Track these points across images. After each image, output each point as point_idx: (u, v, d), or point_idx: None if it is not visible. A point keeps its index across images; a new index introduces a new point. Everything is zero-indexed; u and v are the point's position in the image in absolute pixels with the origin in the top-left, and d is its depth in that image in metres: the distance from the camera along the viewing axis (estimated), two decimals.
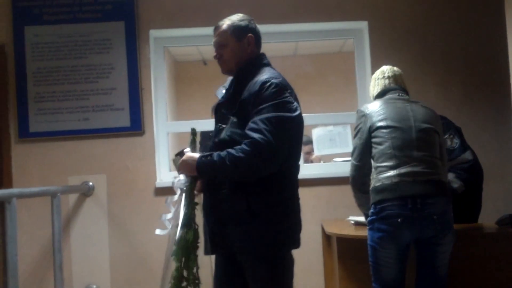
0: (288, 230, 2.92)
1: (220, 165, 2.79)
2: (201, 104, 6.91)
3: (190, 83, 8.45)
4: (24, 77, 4.96)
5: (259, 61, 3.07)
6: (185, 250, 2.95)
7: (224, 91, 3.22)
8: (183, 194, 3.05)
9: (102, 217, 4.96)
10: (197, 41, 5.30)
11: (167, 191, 4.86)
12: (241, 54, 3.04)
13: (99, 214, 4.95)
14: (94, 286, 4.93)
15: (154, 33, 5.12)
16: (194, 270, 2.97)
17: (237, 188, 2.84)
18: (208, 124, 4.39)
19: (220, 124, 3.00)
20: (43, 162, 4.95)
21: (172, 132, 5.27)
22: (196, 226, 3.03)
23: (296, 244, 2.99)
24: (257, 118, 2.77)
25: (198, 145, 3.13)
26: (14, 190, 3.97)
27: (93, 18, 5.03)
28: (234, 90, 3.00)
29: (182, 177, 3.02)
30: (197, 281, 2.98)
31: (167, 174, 5.08)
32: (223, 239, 2.96)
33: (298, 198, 3.00)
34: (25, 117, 4.94)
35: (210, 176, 2.94)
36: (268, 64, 3.08)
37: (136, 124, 4.98)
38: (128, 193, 4.97)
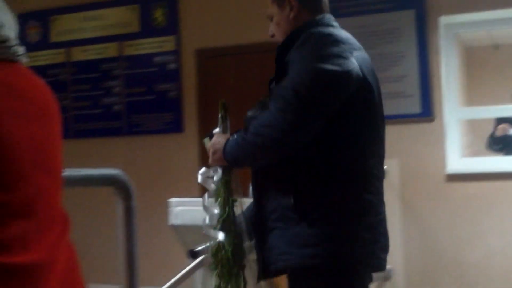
0: (345, 241, 2.10)
1: (238, 146, 2.19)
2: (495, 90, 6.68)
3: (481, 68, 8.17)
4: None
5: (309, 26, 2.25)
6: (226, 266, 2.27)
7: None
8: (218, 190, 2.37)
9: (395, 200, 5.11)
10: (488, 25, 5.15)
11: (459, 177, 4.86)
12: (285, 26, 2.34)
13: (392, 197, 5.12)
14: (388, 266, 5.11)
15: (444, 19, 5.10)
16: None
17: (283, 180, 2.17)
18: (506, 111, 4.25)
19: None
20: None
21: (464, 118, 5.21)
22: (238, 230, 2.34)
23: (361, 266, 2.15)
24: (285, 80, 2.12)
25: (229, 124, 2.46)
26: None
27: (386, 8, 5.18)
28: (277, 66, 2.30)
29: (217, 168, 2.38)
30: None
31: (458, 161, 5.04)
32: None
33: (376, 202, 2.18)
34: None
35: (237, 164, 2.29)
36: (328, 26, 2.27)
37: (426, 111, 5.02)
38: (419, 178, 5.05)
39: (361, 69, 2.12)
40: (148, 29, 5.83)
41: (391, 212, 5.02)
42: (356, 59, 2.12)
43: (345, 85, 2.07)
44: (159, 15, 5.80)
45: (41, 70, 5.72)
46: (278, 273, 2.16)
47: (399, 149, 5.11)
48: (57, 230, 1.41)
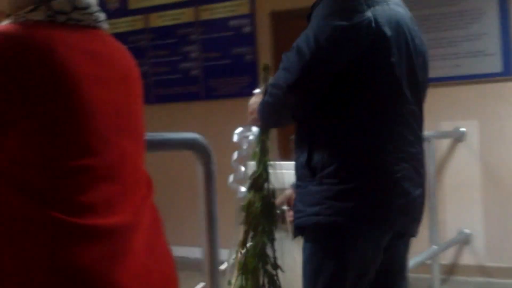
0: (350, 198, 2.01)
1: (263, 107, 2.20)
2: None
3: None
4: None
5: None
6: (254, 219, 2.31)
7: None
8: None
9: (475, 163, 5.00)
10: None
11: None
12: None
13: (472, 160, 5.01)
14: (467, 230, 5.04)
15: None
16: (269, 252, 2.33)
17: (302, 139, 2.15)
18: None
19: None
20: None
21: None
22: (272, 188, 2.38)
23: (367, 224, 2.04)
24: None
25: None
26: None
27: None
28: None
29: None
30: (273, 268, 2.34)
31: None
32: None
33: (392, 162, 2.04)
34: None
35: (264, 124, 2.32)
36: None
37: (508, 69, 4.86)
38: (500, 140, 4.91)
39: (377, 23, 1.99)
40: None
41: (472, 175, 4.95)
42: (374, 12, 2.00)
43: (352, 39, 1.97)
44: None
45: (120, 37, 5.84)
46: (298, 232, 2.14)
47: (479, 110, 4.97)
48: (141, 193, 1.46)
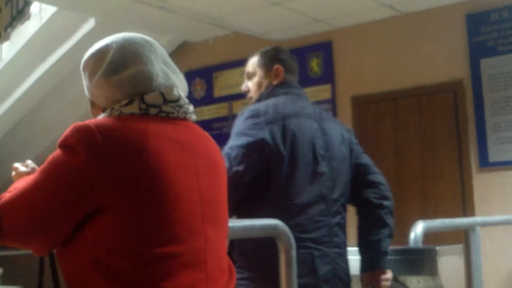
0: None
1: None
2: None
3: None
4: (482, 108, 5.14)
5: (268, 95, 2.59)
6: None
7: None
8: None
9: None
10: None
11: None
12: (263, 88, 2.63)
13: None
14: None
15: None
16: None
17: None
18: None
19: None
20: (504, 190, 5.02)
21: None
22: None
23: None
24: None
25: None
26: (477, 219, 4.15)
27: None
28: None
29: None
30: None
31: None
32: None
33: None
34: (484, 147, 5.11)
35: None
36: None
37: None
38: None
39: (274, 139, 2.36)
40: (304, 79, 5.96)
41: None
42: (272, 129, 2.37)
43: (249, 155, 2.33)
44: (314, 65, 5.93)
45: (205, 124, 6.02)
46: None
47: None
48: (224, 279, 1.48)
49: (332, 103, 5.82)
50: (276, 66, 2.60)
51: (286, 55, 2.68)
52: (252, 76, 2.66)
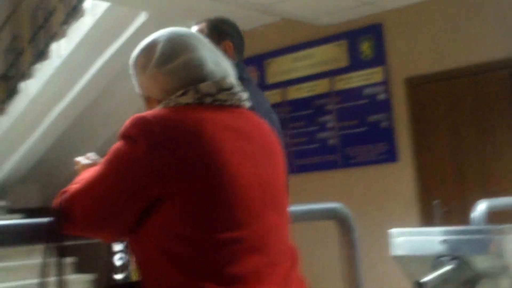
0: None
1: None
2: None
3: None
4: None
5: None
6: None
7: None
8: None
9: None
10: None
11: None
12: None
13: None
14: None
15: None
16: None
17: None
18: None
19: None
20: None
21: None
22: None
23: None
24: None
25: None
26: None
27: None
28: None
29: None
30: None
31: None
32: None
33: None
34: None
35: None
36: None
37: None
38: None
39: None
40: (356, 63, 5.94)
41: None
42: None
43: None
44: (366, 47, 5.89)
45: None
46: None
47: None
48: (287, 264, 1.50)
49: (385, 86, 5.77)
50: (225, 42, 2.35)
51: (235, 30, 2.41)
52: None
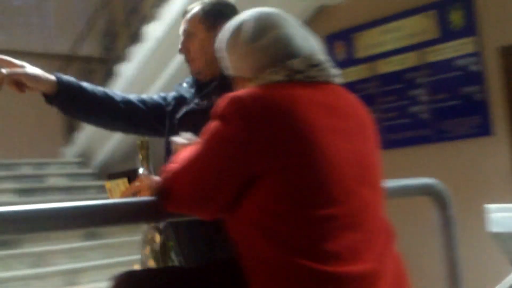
0: None
1: None
2: None
3: None
4: None
5: None
6: None
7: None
8: None
9: None
10: None
11: None
12: (210, 53, 2.09)
13: None
14: None
15: None
16: None
17: None
18: None
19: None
20: None
21: None
22: None
23: None
24: None
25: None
26: None
27: None
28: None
29: None
30: None
31: None
32: None
33: None
34: None
35: None
36: None
37: None
38: None
39: None
40: (446, 34, 5.78)
41: None
42: None
43: None
44: (456, 18, 5.71)
45: (350, 86, 5.99)
46: None
47: None
48: (382, 240, 1.51)
49: (477, 56, 5.59)
50: (223, 25, 2.07)
51: (233, 12, 2.15)
52: (191, 35, 2.22)
